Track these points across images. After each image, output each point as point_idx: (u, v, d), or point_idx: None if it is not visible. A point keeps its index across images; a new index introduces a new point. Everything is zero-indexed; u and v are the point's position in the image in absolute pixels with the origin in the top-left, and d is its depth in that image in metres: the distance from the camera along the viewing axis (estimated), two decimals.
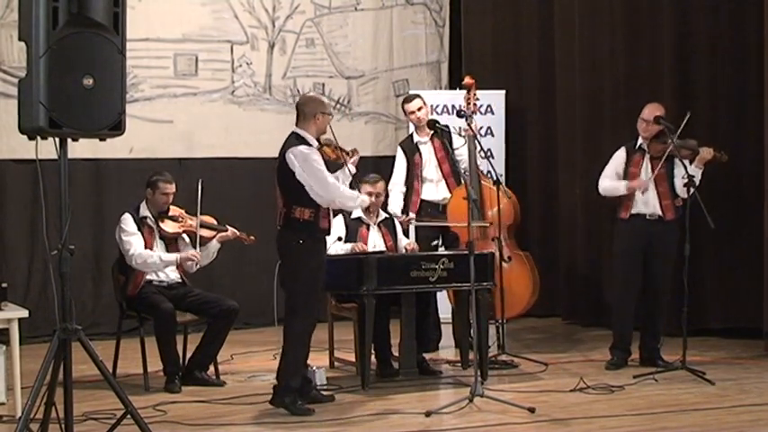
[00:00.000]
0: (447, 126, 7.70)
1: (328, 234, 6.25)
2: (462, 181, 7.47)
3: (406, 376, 6.94)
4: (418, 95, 8.05)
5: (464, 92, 7.94)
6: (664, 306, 7.36)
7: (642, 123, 7.29)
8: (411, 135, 8.08)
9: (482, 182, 7.86)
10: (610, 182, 7.37)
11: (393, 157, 8.23)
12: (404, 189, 8.01)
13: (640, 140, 7.36)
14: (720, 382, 6.70)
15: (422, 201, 7.99)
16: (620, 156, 7.40)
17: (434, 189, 7.95)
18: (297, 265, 6.05)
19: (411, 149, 8.00)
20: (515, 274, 7.84)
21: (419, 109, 7.86)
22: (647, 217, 7.26)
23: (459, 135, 7.85)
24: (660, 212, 7.24)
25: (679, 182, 7.24)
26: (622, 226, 7.35)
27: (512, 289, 7.75)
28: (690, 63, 8.55)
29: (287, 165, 6.03)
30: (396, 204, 7.97)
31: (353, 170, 6.47)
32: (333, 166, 6.31)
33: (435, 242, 7.94)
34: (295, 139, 6.11)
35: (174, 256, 6.86)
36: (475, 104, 7.85)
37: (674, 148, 7.11)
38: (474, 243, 6.34)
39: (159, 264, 6.81)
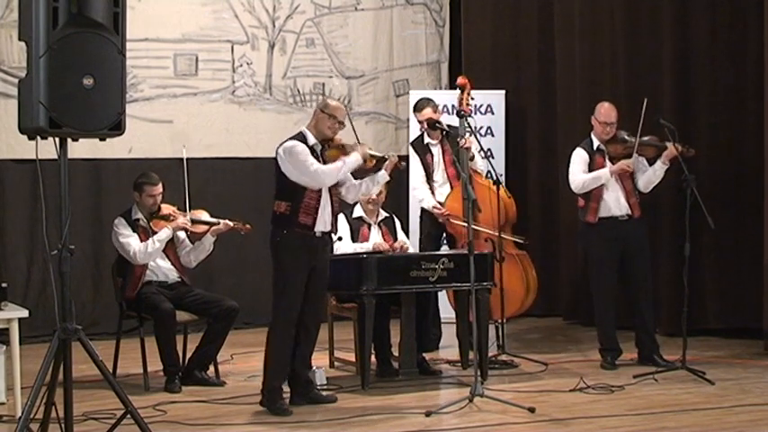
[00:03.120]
0: (455, 127, 7.68)
1: (312, 230, 6.08)
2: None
3: (406, 376, 6.95)
4: (429, 100, 7.95)
5: (458, 92, 7.87)
6: (651, 301, 7.40)
7: (606, 127, 7.26)
8: (422, 136, 8.05)
9: (478, 181, 7.83)
10: (585, 175, 7.29)
11: None
12: (428, 185, 7.95)
13: (596, 142, 7.35)
14: (720, 382, 6.70)
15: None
16: (582, 156, 7.38)
17: (438, 192, 7.92)
18: (276, 261, 6.10)
19: (422, 149, 7.97)
20: (506, 274, 7.75)
21: (427, 119, 7.81)
22: (619, 218, 7.26)
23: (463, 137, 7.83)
24: (629, 211, 7.25)
25: (642, 179, 7.27)
26: (593, 231, 7.33)
27: (503, 289, 7.72)
28: (690, 63, 8.54)
29: (276, 161, 6.12)
30: (428, 200, 7.89)
31: (386, 177, 6.41)
32: (360, 172, 6.29)
33: (443, 238, 7.91)
34: (297, 136, 6.18)
35: (167, 231, 6.85)
36: (468, 104, 7.76)
37: (640, 147, 7.13)
38: (473, 243, 6.33)
39: (158, 245, 6.81)
